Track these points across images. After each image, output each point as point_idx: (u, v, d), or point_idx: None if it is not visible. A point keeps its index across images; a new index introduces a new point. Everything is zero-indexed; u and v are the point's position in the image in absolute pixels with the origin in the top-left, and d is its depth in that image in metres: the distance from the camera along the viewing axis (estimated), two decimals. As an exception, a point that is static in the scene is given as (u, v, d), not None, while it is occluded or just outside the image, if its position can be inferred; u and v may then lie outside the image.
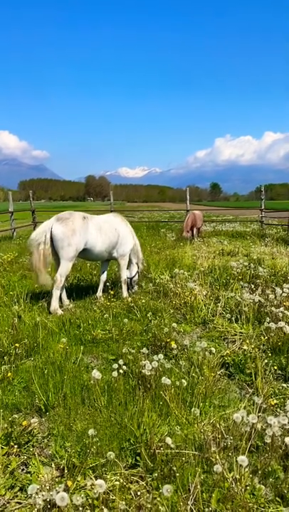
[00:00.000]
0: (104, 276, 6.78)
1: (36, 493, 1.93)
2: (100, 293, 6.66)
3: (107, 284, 6.77)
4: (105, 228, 6.20)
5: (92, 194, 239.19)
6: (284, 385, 3.68)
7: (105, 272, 6.82)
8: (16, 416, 2.96)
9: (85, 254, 6.14)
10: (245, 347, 4.20)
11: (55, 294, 5.76)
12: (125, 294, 6.59)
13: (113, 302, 6.11)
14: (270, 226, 18.75)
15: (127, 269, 7.00)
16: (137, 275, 7.06)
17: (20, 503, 2.25)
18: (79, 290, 6.95)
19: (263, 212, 18.68)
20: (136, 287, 7.11)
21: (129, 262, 6.97)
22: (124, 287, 6.65)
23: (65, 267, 5.79)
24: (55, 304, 5.74)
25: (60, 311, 5.70)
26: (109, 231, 6.23)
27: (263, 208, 18.46)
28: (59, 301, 5.93)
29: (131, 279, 7.03)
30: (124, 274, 6.66)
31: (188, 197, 18.14)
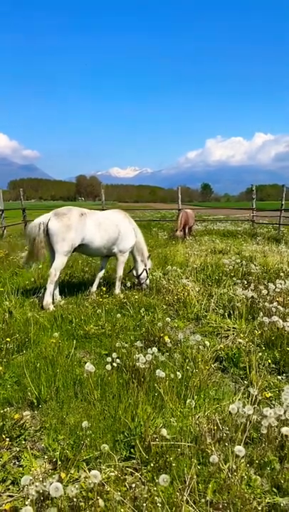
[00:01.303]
0: (101, 273, 6.72)
1: (29, 485, 1.87)
2: (94, 288, 6.58)
3: (100, 281, 6.70)
4: (105, 224, 6.15)
5: (83, 194, 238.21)
6: (279, 377, 3.67)
7: (103, 269, 6.76)
8: (7, 409, 2.89)
9: (82, 249, 6.08)
10: (240, 340, 4.19)
11: (49, 288, 5.69)
12: (118, 290, 6.53)
13: (105, 298, 6.05)
14: (261, 225, 18.86)
15: (133, 268, 7.01)
16: (144, 273, 6.96)
17: (12, 496, 2.19)
18: (71, 287, 6.87)
19: (254, 212, 18.76)
20: (144, 285, 6.95)
21: (135, 260, 6.93)
22: (118, 284, 6.58)
23: (60, 261, 5.74)
24: (48, 298, 5.66)
25: (52, 307, 5.62)
26: (109, 227, 6.17)
27: (254, 207, 18.54)
28: (51, 298, 5.85)
29: (138, 276, 6.97)
30: (121, 271, 6.59)
31: (179, 196, 18.12)
